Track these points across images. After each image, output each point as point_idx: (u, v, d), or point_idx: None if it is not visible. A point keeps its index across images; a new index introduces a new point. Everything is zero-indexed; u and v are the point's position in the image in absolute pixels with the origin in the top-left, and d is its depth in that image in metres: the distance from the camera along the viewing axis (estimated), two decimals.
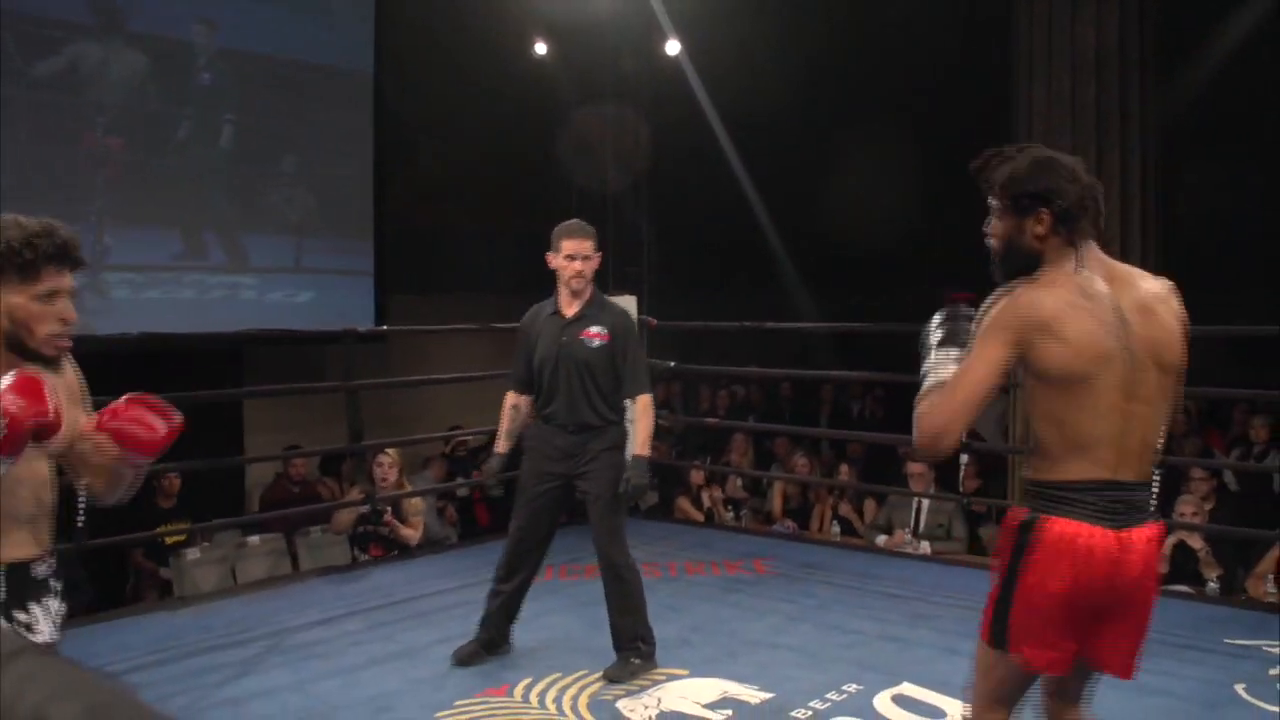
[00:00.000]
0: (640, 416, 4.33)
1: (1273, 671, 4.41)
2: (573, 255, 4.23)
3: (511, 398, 4.49)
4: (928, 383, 2.44)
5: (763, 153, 9.81)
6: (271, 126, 8.25)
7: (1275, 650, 4.66)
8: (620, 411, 4.38)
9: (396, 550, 6.31)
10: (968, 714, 2.57)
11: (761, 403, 10.05)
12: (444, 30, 8.73)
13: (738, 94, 9.34)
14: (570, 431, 4.28)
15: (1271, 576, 5.69)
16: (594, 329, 4.28)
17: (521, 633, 4.85)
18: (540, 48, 9.25)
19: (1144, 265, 2.59)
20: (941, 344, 2.45)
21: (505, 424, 4.50)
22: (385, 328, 8.03)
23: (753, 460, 8.55)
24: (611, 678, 4.21)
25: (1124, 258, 7.26)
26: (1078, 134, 7.30)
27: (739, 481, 8.20)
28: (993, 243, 2.44)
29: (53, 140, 7.21)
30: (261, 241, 8.23)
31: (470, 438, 8.24)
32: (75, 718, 0.45)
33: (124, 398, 2.27)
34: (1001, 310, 2.32)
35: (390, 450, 6.46)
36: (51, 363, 2.21)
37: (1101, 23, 7.27)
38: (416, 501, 6.49)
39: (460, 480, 7.74)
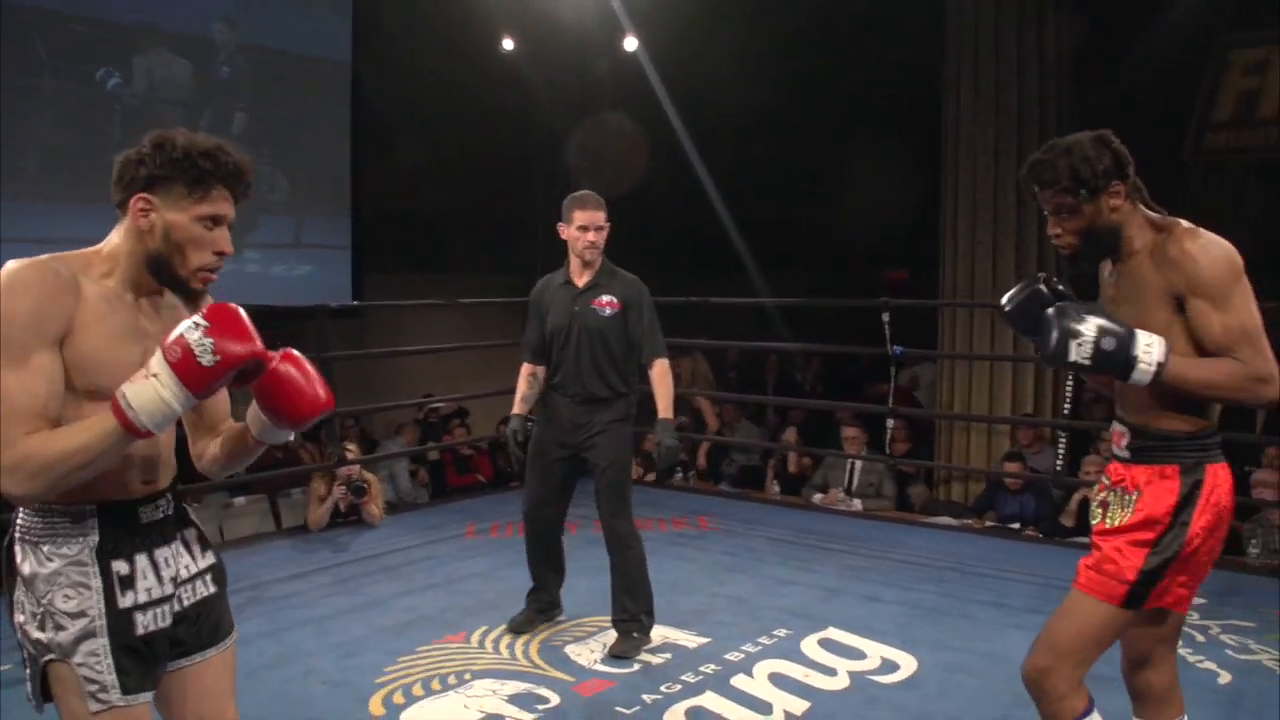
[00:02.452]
0: (660, 381, 4.08)
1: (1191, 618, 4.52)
2: (585, 226, 4.01)
3: (528, 367, 4.25)
4: (1153, 362, 2.18)
5: (719, 141, 9.81)
6: (266, 116, 8.22)
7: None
8: (631, 384, 4.15)
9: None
10: (1065, 697, 2.34)
11: (713, 373, 10.12)
12: (418, 24, 8.69)
13: (694, 87, 9.33)
14: (578, 402, 4.08)
15: None
16: (606, 298, 4.06)
17: (483, 584, 4.92)
18: (508, 43, 9.22)
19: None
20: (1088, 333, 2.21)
21: (523, 389, 4.24)
22: (357, 303, 8.04)
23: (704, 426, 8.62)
24: (617, 654, 4.02)
25: (1039, 249, 7.40)
26: (1001, 129, 7.40)
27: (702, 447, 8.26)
28: (1068, 240, 2.31)
29: (75, 127, 7.18)
30: (249, 221, 8.20)
31: (441, 405, 8.27)
32: None
33: (280, 352, 1.91)
34: (1221, 252, 2.21)
35: (352, 446, 6.42)
36: (193, 298, 1.90)
37: (1022, 30, 7.36)
38: (374, 479, 6.32)
39: (431, 444, 7.75)
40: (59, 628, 1.81)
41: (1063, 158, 2.25)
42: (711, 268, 10.15)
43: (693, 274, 9.71)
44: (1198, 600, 4.60)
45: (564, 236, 4.09)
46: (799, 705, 3.60)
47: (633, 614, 4.10)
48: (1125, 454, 2.37)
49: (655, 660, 4.00)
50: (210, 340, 1.70)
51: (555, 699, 3.65)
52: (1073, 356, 2.21)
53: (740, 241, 10.07)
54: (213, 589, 2.05)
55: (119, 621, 1.85)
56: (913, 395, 8.91)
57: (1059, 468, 5.93)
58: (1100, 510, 2.40)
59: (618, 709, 3.56)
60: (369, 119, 8.73)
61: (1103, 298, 2.43)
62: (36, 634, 1.82)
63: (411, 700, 3.62)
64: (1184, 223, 2.28)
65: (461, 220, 9.35)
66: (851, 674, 3.88)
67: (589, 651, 4.09)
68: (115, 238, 1.86)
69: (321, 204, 8.68)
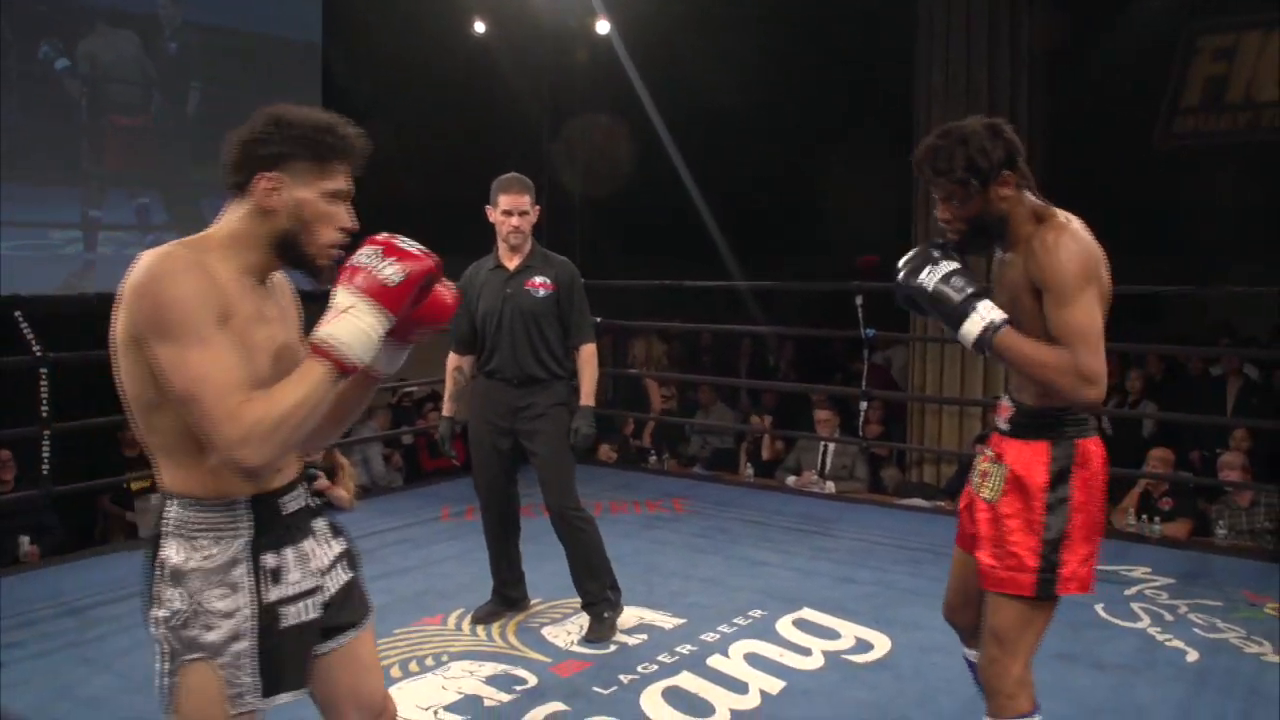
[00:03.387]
0: (585, 365, 4.06)
1: (1128, 592, 4.59)
2: (509, 210, 3.95)
3: (454, 360, 4.18)
4: (987, 319, 2.26)
5: (693, 125, 9.80)
6: (227, 95, 8.13)
7: (1132, 574, 4.86)
8: (566, 366, 4.08)
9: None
10: (1011, 691, 2.34)
11: (684, 356, 10.14)
12: (389, 5, 8.62)
13: (667, 71, 9.32)
14: (515, 385, 4.01)
15: (1133, 510, 5.90)
16: (539, 279, 4.00)
17: (458, 567, 4.92)
18: (479, 26, 9.17)
19: None
20: (957, 292, 2.29)
21: (450, 387, 4.21)
22: (328, 288, 7.99)
23: (676, 409, 8.66)
24: (593, 638, 3.98)
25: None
26: (971, 114, 7.42)
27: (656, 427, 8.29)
28: (957, 226, 2.34)
29: (43, 108, 7.15)
30: (219, 204, 8.14)
31: (414, 389, 8.24)
32: None
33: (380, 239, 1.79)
34: (1078, 253, 2.25)
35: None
36: (320, 276, 1.85)
37: (994, 17, 7.41)
38: (347, 464, 6.24)
39: (405, 428, 7.74)
40: (209, 627, 1.77)
41: (959, 147, 2.27)
42: (689, 253, 10.18)
43: (671, 259, 9.75)
44: (1165, 580, 4.71)
45: (490, 220, 4.04)
46: (775, 685, 3.63)
47: (597, 595, 4.07)
48: (1005, 427, 2.43)
49: (631, 641, 4.02)
50: (392, 259, 1.74)
51: (533, 680, 3.66)
52: (920, 278, 2.31)
53: (716, 227, 10.08)
54: (349, 574, 2.01)
55: (267, 619, 1.82)
56: (887, 377, 8.97)
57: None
58: (980, 479, 2.44)
59: (595, 689, 3.58)
60: (338, 102, 8.63)
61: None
62: (183, 631, 1.77)
63: (389, 682, 3.61)
64: (1060, 216, 2.32)
65: (434, 204, 9.31)
66: (826, 654, 3.91)
67: (565, 633, 4.10)
68: (233, 221, 1.81)
69: None
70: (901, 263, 2.40)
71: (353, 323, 1.71)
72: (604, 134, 10.05)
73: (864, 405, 6.60)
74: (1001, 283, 2.38)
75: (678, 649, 3.94)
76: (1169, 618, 4.28)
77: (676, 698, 3.52)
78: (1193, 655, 3.89)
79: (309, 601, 1.89)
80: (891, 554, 5.25)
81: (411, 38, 8.64)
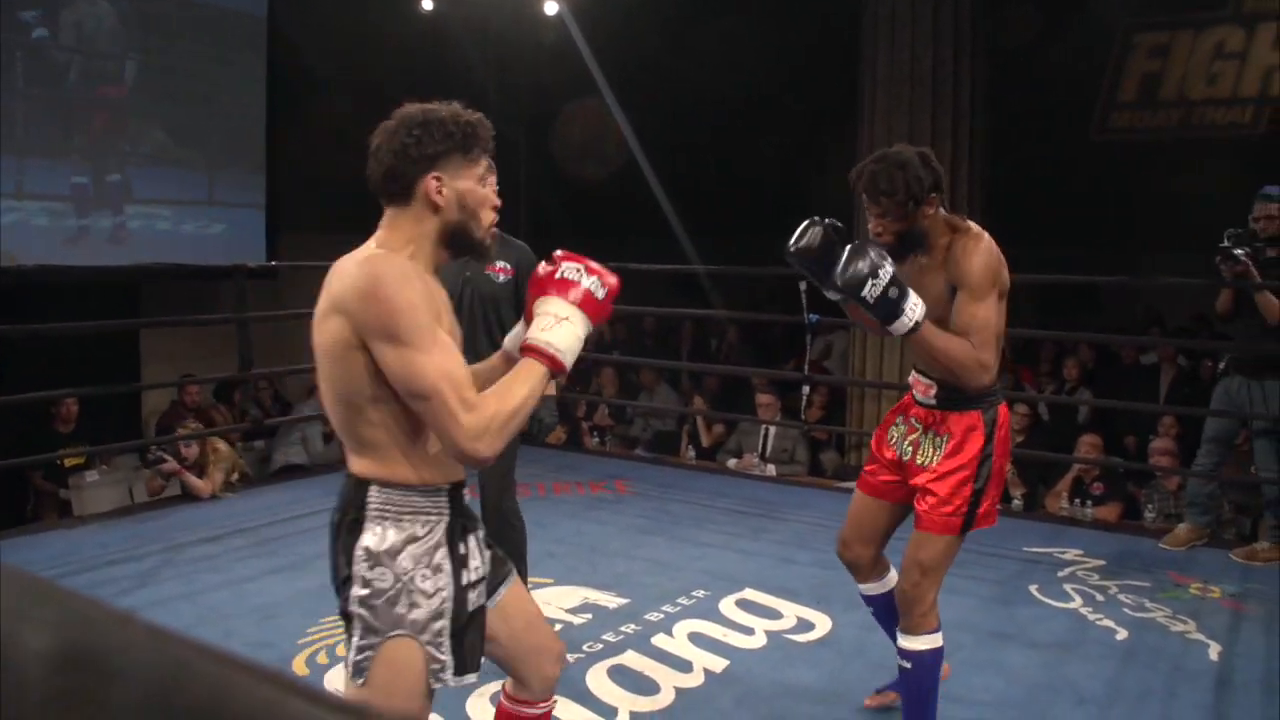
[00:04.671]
0: None
1: (1061, 574, 4.71)
2: None
3: None
4: (917, 314, 2.60)
5: (646, 102, 9.81)
6: (171, 65, 7.99)
7: (1065, 556, 4.98)
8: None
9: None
10: (925, 610, 2.82)
11: (626, 338, 10.15)
12: None
13: (618, 48, 9.30)
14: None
15: (1066, 494, 6.05)
16: (498, 263, 3.87)
17: None
18: (427, 2, 9.07)
19: (973, 218, 2.90)
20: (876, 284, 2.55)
21: None
22: (275, 263, 7.89)
23: (618, 391, 8.67)
24: None
25: (953, 211, 7.59)
26: (915, 101, 7.52)
27: (605, 410, 8.31)
28: (888, 238, 2.68)
29: None
30: (160, 176, 8.00)
31: None
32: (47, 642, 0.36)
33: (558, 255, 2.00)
34: (990, 260, 2.68)
35: (191, 424, 6.33)
36: (487, 254, 2.06)
37: (938, 6, 7.48)
38: (224, 450, 6.06)
39: None
40: (414, 605, 1.87)
41: (899, 173, 2.63)
42: (640, 233, 10.20)
43: (619, 239, 9.76)
44: (1097, 561, 4.84)
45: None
46: (718, 663, 3.68)
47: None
48: (932, 401, 2.82)
49: (576, 621, 4.05)
50: (595, 278, 1.96)
51: None
52: (864, 292, 2.56)
53: (670, 208, 10.11)
54: (489, 549, 2.13)
55: (460, 602, 1.93)
56: (823, 366, 9.07)
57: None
58: (911, 449, 2.86)
59: None
60: (286, 74, 8.53)
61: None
62: (390, 609, 1.86)
63: (335, 660, 3.62)
64: (973, 229, 2.74)
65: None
66: (769, 633, 3.97)
67: None
68: (405, 226, 1.93)
69: (236, 160, 8.49)
70: (843, 262, 2.60)
71: (570, 331, 1.92)
72: (554, 110, 10.02)
73: (806, 389, 6.67)
74: (914, 280, 2.73)
75: (622, 628, 3.97)
76: (1100, 598, 4.40)
77: (622, 676, 3.56)
78: (1122, 634, 4.01)
79: (483, 587, 2.03)
80: (831, 536, 5.24)
81: (361, 10, 8.55)
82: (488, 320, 3.91)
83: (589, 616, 4.09)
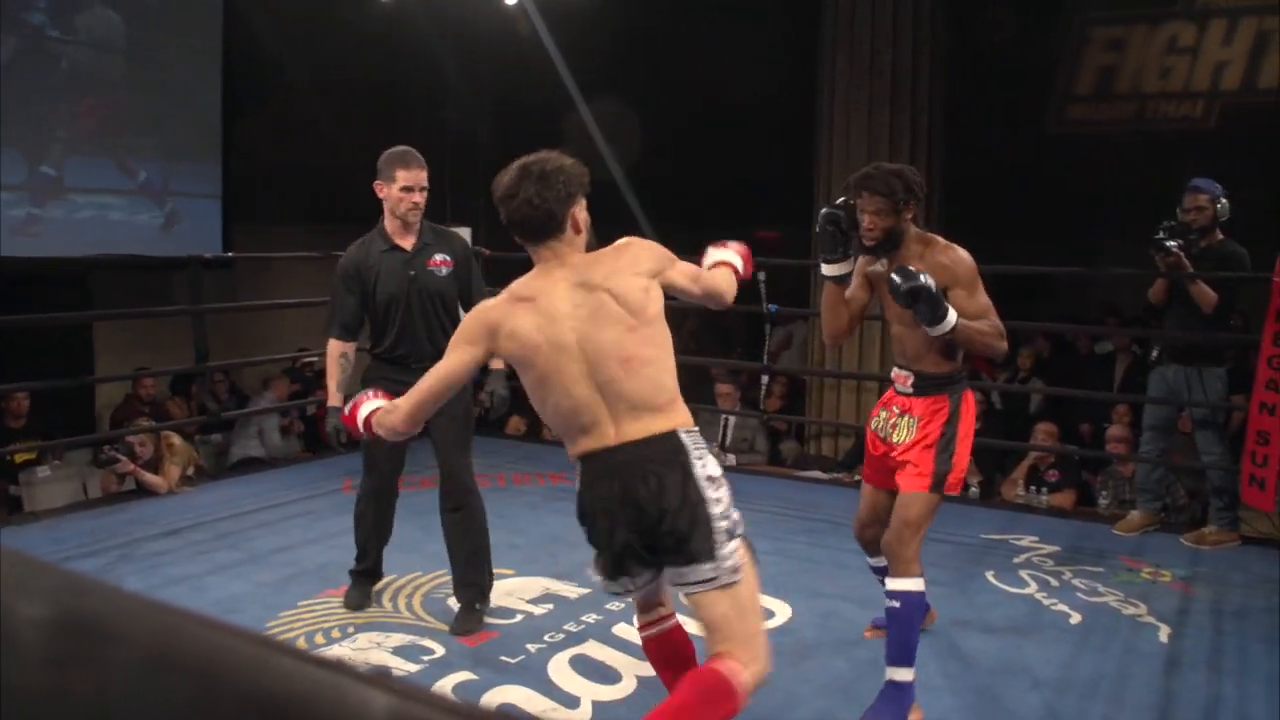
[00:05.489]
0: None
1: (1017, 560, 4.79)
2: (410, 186, 3.78)
3: (337, 346, 3.91)
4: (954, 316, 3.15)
5: (603, 90, 9.81)
6: (126, 52, 7.90)
7: (1021, 542, 5.06)
8: None
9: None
10: (910, 558, 3.25)
11: None
12: None
13: (580, 40, 9.30)
14: (427, 366, 3.82)
15: (1021, 481, 6.14)
16: (439, 256, 3.89)
17: None
18: None
19: (928, 213, 3.27)
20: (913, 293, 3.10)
21: (335, 376, 3.90)
22: (230, 254, 7.83)
23: None
24: (461, 630, 3.84)
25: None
26: (874, 95, 7.60)
27: None
28: (877, 234, 3.25)
29: None
30: (114, 166, 7.92)
31: (315, 359, 8.14)
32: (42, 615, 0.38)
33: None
34: (969, 258, 3.26)
35: (144, 420, 6.29)
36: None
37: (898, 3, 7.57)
38: (179, 445, 5.92)
39: (303, 400, 7.60)
40: (734, 512, 2.45)
41: (896, 178, 3.22)
42: (602, 220, 10.18)
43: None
44: (1052, 548, 4.93)
45: (382, 196, 3.85)
46: None
47: (473, 582, 3.93)
48: (909, 390, 3.38)
49: (538, 611, 4.07)
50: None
51: (440, 650, 3.69)
52: (908, 287, 3.09)
53: (633, 197, 10.10)
54: None
55: None
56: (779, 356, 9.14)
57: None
58: (891, 430, 3.40)
59: (502, 658, 3.62)
60: (243, 64, 8.46)
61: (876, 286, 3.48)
62: (733, 516, 2.43)
63: None
64: (940, 239, 3.32)
65: (340, 170, 9.18)
66: None
67: None
68: (570, 251, 2.54)
69: (192, 150, 8.41)
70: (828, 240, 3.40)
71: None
72: (516, 99, 9.99)
73: (765, 379, 6.73)
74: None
75: (583, 618, 3.99)
76: (1054, 583, 4.49)
77: (584, 665, 3.59)
78: (1076, 618, 4.09)
79: None
80: (790, 525, 5.39)
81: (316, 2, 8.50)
82: (439, 316, 3.90)
83: (550, 607, 4.11)
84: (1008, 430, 6.58)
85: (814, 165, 8.00)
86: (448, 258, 3.92)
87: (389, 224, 3.90)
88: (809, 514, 5.59)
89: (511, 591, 4.25)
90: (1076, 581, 4.51)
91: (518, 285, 2.52)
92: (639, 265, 2.50)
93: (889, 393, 3.49)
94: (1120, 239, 8.59)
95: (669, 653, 2.75)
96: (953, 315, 3.13)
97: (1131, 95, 9.46)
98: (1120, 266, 7.43)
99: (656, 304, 2.49)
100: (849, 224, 3.32)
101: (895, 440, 3.36)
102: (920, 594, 3.27)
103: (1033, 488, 6.06)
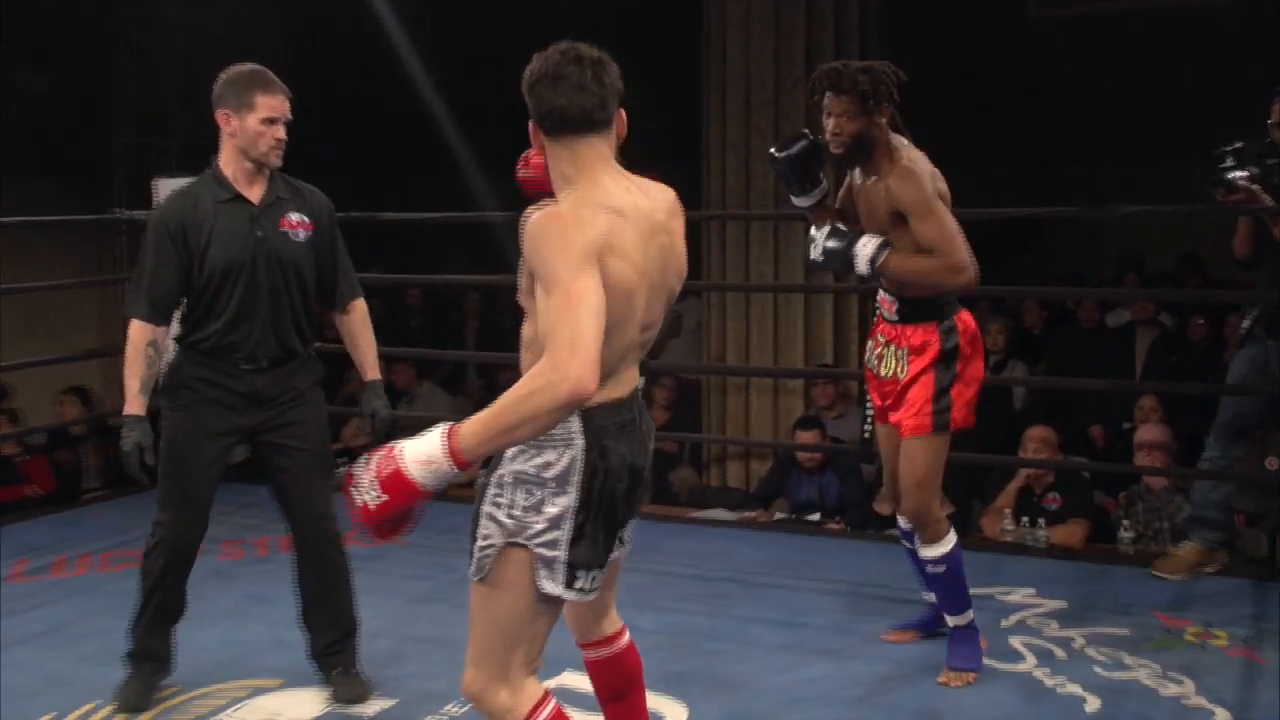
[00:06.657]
0: (363, 328, 4.25)
1: (1006, 623, 4.76)
2: (274, 118, 3.88)
3: (144, 332, 3.93)
4: (869, 251, 3.97)
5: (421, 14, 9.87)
6: None
7: (1010, 598, 5.04)
8: (316, 332, 4.20)
9: None
10: (935, 520, 4.11)
11: (385, 319, 9.98)
12: None
13: None
14: (265, 367, 3.97)
15: (1009, 511, 6.07)
16: (295, 216, 3.99)
17: (48, 651, 4.67)
18: None
19: None
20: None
21: (140, 373, 3.93)
22: None
23: None
24: (350, 698, 4.13)
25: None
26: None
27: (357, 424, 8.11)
28: (845, 139, 3.90)
29: None
30: None
31: None
32: None
33: None
34: (920, 181, 3.86)
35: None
36: None
37: None
38: None
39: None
40: None
41: (862, 73, 3.85)
42: (427, 173, 10.14)
43: (400, 180, 9.69)
44: (1055, 603, 4.90)
45: (229, 130, 3.91)
46: None
47: (343, 643, 4.20)
48: (895, 317, 4.11)
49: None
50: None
51: None
52: (813, 256, 4.14)
53: (455, 136, 10.11)
54: None
55: None
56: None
57: (867, 435, 6.09)
58: (877, 361, 4.16)
59: None
60: None
61: (854, 200, 4.18)
62: None
63: None
64: (904, 157, 3.91)
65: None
66: None
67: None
68: (610, 159, 2.73)
69: None
70: (798, 176, 4.15)
71: None
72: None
73: (640, 381, 6.60)
74: (864, 212, 4.10)
75: None
76: (1060, 654, 4.47)
77: None
78: (1093, 703, 4.05)
79: None
80: (684, 588, 5.29)
81: None
82: (290, 296, 4.00)
83: None
84: (985, 440, 6.46)
85: (701, 88, 7.90)
86: (305, 219, 4.02)
87: (231, 167, 3.96)
88: (710, 571, 5.53)
89: (279, 713, 4.14)
90: (1092, 651, 4.50)
91: (592, 190, 2.59)
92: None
93: (876, 319, 4.27)
94: (1136, 162, 8.73)
95: (620, 683, 3.16)
96: (866, 251, 3.95)
97: None
98: (1134, 202, 7.50)
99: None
100: (809, 150, 4.06)
101: (884, 374, 4.12)
102: (957, 547, 4.18)
103: (1025, 519, 6.04)
